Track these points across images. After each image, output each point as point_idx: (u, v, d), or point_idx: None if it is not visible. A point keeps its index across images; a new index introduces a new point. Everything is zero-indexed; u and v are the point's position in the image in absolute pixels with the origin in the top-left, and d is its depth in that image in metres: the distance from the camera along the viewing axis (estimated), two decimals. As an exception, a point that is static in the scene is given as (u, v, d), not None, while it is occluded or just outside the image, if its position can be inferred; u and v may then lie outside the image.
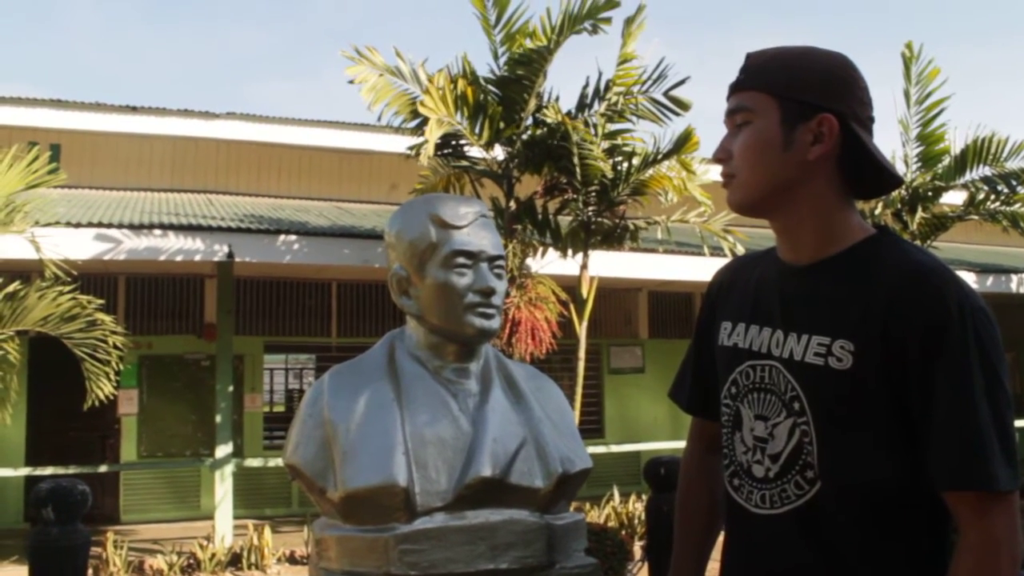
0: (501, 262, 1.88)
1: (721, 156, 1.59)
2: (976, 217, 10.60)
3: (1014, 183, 10.05)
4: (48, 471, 8.38)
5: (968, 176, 10.15)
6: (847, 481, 1.45)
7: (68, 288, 7.01)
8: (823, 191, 1.53)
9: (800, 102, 1.50)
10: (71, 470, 8.51)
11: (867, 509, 1.44)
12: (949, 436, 1.36)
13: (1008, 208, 10.31)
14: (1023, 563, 1.37)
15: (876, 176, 1.58)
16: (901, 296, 1.41)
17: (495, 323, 1.85)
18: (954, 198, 11.12)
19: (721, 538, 1.74)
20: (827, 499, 1.47)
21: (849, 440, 1.45)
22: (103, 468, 9.65)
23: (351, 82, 7.85)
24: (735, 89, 1.58)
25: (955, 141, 10.07)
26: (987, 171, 10.07)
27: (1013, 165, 9.92)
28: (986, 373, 1.37)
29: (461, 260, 1.81)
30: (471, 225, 1.84)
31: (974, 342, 1.37)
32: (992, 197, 10.30)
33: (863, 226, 1.56)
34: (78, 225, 8.28)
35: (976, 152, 9.91)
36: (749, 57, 1.59)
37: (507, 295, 7.74)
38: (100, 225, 8.42)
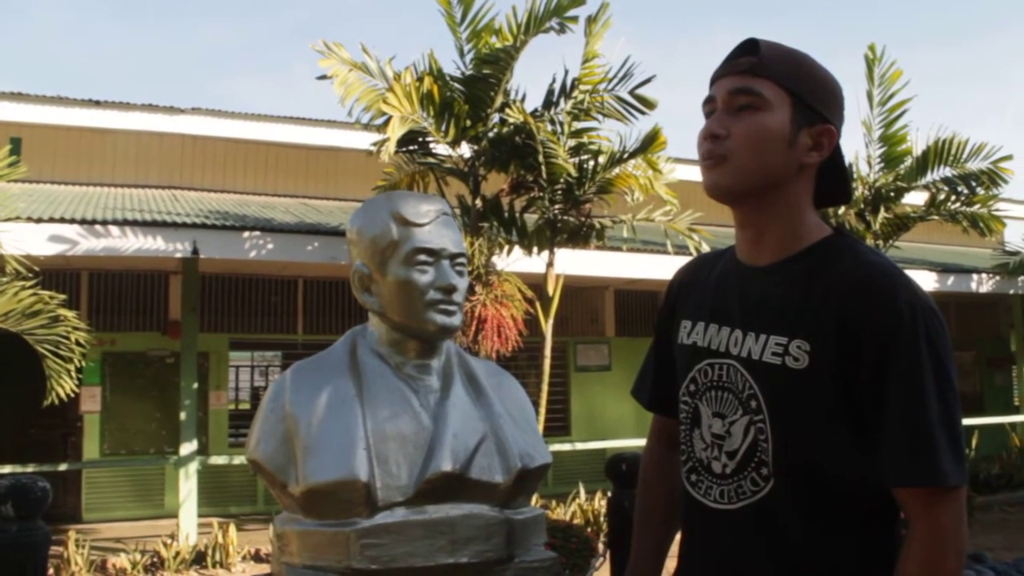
0: (462, 259, 1.90)
1: (720, 132, 1.54)
2: (937, 217, 10.75)
3: (974, 184, 10.20)
4: (7, 469, 8.27)
5: (929, 177, 10.29)
6: (800, 478, 1.48)
7: (29, 284, 6.92)
8: (800, 194, 1.57)
9: (810, 107, 1.54)
10: (31, 468, 8.42)
11: (819, 505, 1.48)
12: (900, 434, 1.40)
13: (968, 209, 10.47)
14: (968, 555, 1.41)
15: (836, 189, 1.65)
16: (854, 298, 1.45)
17: (456, 320, 1.87)
18: (916, 198, 11.26)
19: (679, 536, 1.76)
20: (781, 495, 1.50)
21: (803, 438, 1.48)
22: (64, 466, 9.55)
23: (324, 77, 7.82)
24: (744, 71, 1.55)
25: (917, 142, 10.21)
26: (948, 172, 10.22)
27: (973, 166, 10.08)
28: (936, 373, 1.41)
29: (422, 257, 1.83)
30: (432, 223, 1.86)
31: (925, 343, 1.41)
32: (953, 198, 10.45)
33: (821, 227, 1.59)
34: (39, 220, 8.18)
35: (937, 153, 10.05)
36: (760, 44, 1.56)
37: (473, 292, 7.76)
38: (62, 220, 8.33)
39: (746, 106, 1.53)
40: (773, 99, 1.52)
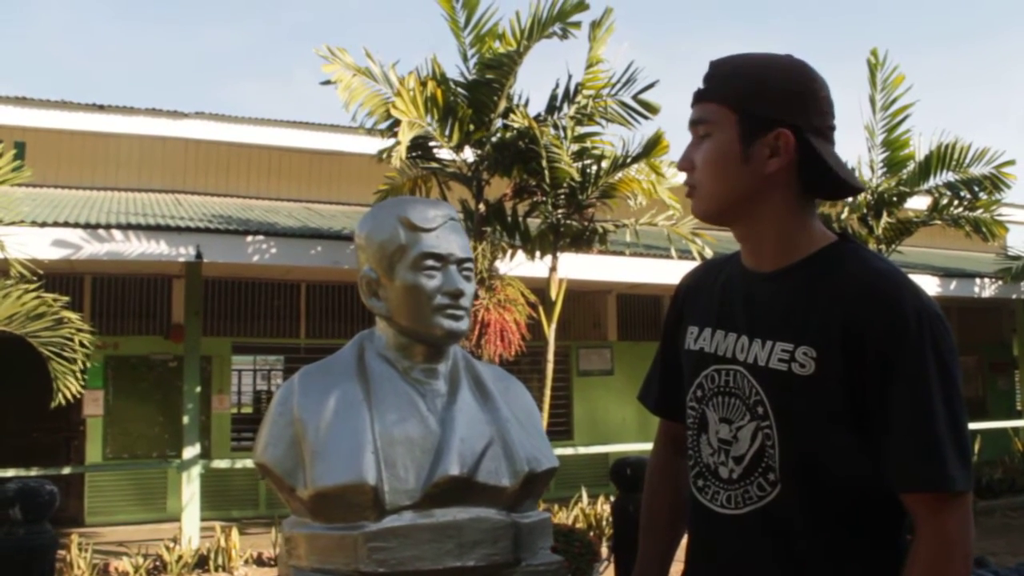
0: (469, 264, 1.91)
1: (684, 166, 1.61)
2: (940, 222, 10.74)
3: (977, 189, 10.20)
4: (10, 473, 8.28)
5: (932, 181, 10.28)
6: (806, 483, 1.49)
7: (33, 287, 6.92)
8: (782, 202, 1.56)
9: (758, 116, 1.53)
10: (34, 472, 8.41)
11: (824, 510, 1.48)
12: (907, 439, 1.40)
13: (971, 213, 10.46)
14: (975, 560, 1.41)
15: (836, 183, 1.60)
16: (860, 304, 1.45)
17: (463, 324, 1.88)
18: (918, 203, 11.25)
19: (685, 539, 1.76)
20: (787, 500, 1.50)
21: (809, 444, 1.48)
22: (67, 470, 9.54)
23: (328, 82, 7.82)
24: (697, 99, 1.61)
25: (919, 147, 10.22)
26: (950, 177, 10.23)
27: (976, 171, 10.08)
28: (943, 378, 1.41)
29: (430, 263, 1.84)
30: (440, 228, 1.87)
31: (931, 348, 1.41)
32: (955, 202, 10.45)
33: (824, 233, 1.59)
34: (43, 224, 8.19)
35: (940, 158, 10.05)
36: (711, 66, 1.60)
37: (476, 297, 7.76)
38: (66, 225, 8.33)
39: (705, 135, 1.58)
40: (719, 121, 1.55)
